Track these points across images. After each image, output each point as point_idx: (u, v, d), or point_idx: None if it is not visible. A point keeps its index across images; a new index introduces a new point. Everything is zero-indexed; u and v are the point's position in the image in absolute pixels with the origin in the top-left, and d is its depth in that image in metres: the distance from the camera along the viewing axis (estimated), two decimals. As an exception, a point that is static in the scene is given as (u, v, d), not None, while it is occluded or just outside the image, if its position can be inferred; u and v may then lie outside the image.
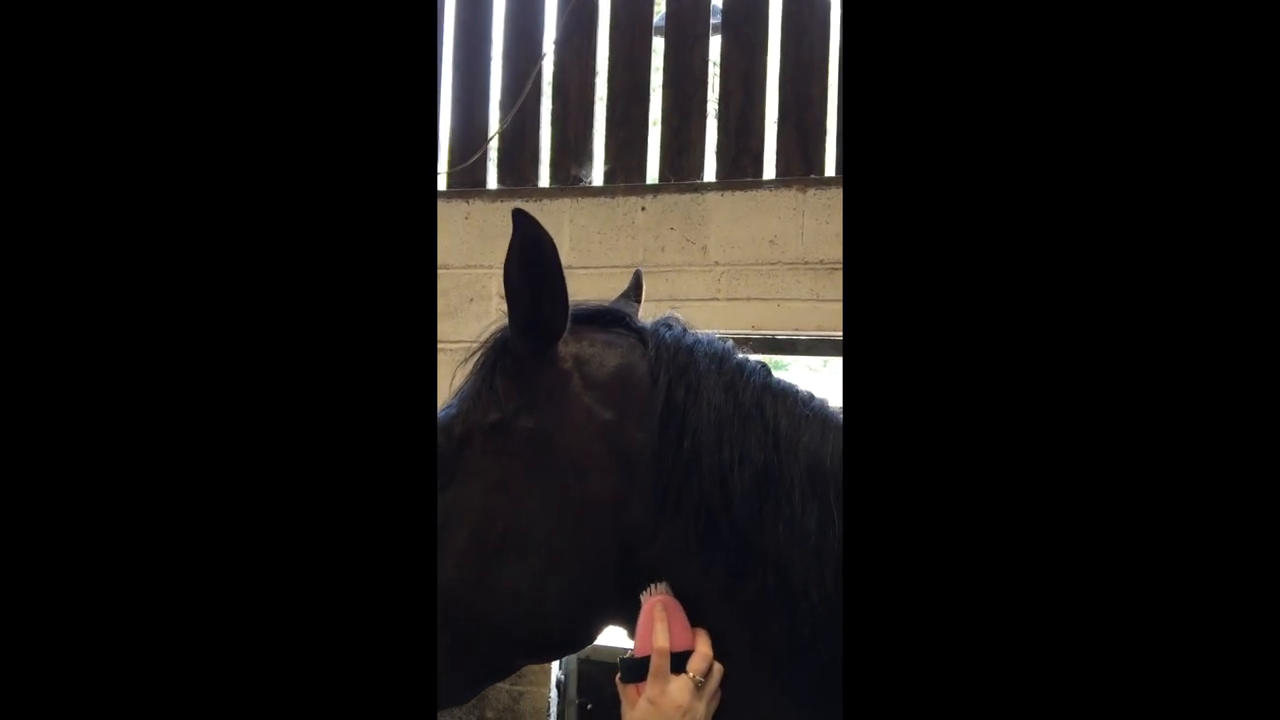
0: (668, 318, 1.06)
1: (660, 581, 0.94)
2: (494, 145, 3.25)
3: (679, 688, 0.88)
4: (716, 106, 3.04)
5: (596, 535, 0.94)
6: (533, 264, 0.93)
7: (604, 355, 1.00)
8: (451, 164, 3.27)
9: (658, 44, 3.10)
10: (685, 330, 1.04)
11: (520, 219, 0.91)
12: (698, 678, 0.89)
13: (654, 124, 3.07)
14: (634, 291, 1.24)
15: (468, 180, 3.24)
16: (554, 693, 3.09)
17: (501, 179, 3.25)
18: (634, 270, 1.28)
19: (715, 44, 3.04)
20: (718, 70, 3.04)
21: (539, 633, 0.97)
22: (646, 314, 1.13)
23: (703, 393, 0.94)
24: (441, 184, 3.30)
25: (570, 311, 0.98)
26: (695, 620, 0.93)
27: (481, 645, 0.96)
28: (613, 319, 1.05)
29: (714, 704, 0.91)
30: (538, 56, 3.19)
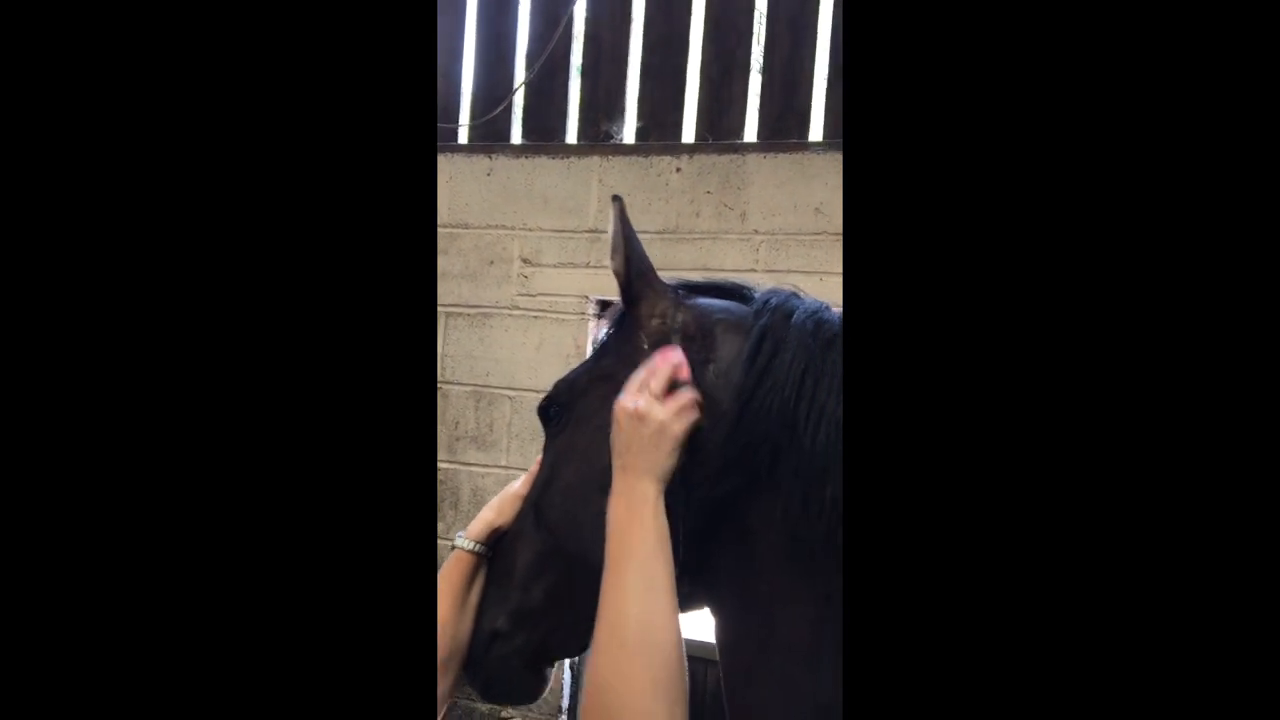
0: (783, 287, 1.10)
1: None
2: (519, 97, 3.04)
3: (663, 409, 0.97)
4: (761, 60, 2.81)
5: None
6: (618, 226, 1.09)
7: (705, 314, 1.08)
8: (474, 116, 3.08)
9: (699, -10, 2.87)
10: (795, 294, 1.08)
11: (615, 202, 1.10)
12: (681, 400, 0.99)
13: (692, 77, 2.85)
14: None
15: (490, 134, 3.05)
16: (568, 674, 2.95)
17: (526, 134, 3.05)
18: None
19: (762, -9, 2.81)
20: (763, 20, 2.80)
21: None
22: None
23: (791, 342, 0.99)
24: (462, 137, 3.11)
25: (683, 283, 1.13)
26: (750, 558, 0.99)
27: (582, 582, 1.01)
28: (725, 290, 1.13)
29: (687, 417, 0.98)
30: (569, 1, 2.96)
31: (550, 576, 1.09)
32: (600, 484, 1.02)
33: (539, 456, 1.17)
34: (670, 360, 1.01)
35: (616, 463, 0.98)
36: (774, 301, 1.05)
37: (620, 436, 0.99)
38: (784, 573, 0.96)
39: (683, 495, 0.99)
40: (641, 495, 0.96)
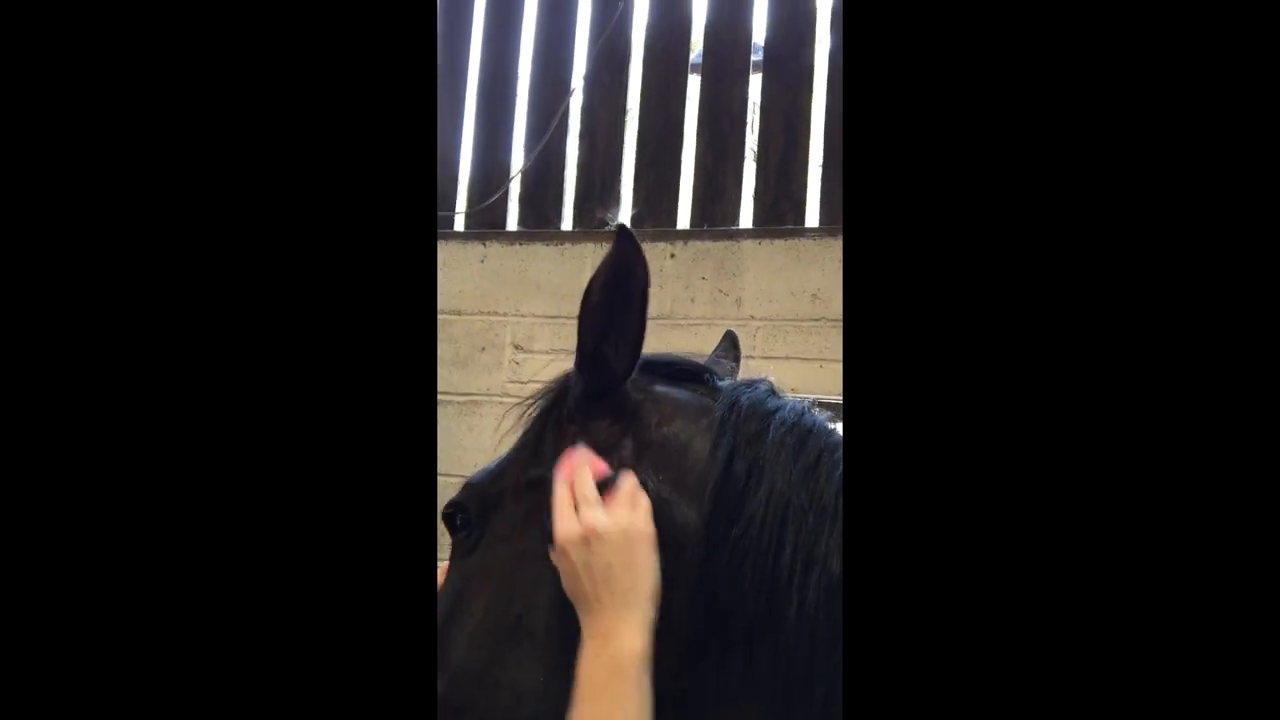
0: (756, 379, 0.87)
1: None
2: (516, 184, 3.05)
3: (617, 511, 0.76)
4: (755, 149, 2.83)
5: None
6: (618, 287, 0.81)
7: (664, 412, 0.85)
8: (470, 203, 3.08)
9: (693, 81, 2.90)
10: (771, 392, 0.85)
11: (622, 234, 0.80)
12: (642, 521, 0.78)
13: (687, 166, 2.87)
14: (731, 351, 1.08)
15: (486, 221, 3.05)
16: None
17: (522, 220, 3.04)
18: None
19: (755, 83, 2.84)
20: (757, 111, 2.84)
21: None
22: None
23: (768, 466, 0.78)
24: (458, 224, 3.10)
25: (639, 361, 0.85)
26: None
27: None
28: (687, 373, 0.90)
29: (643, 504, 0.78)
30: (566, 92, 3.00)
31: None
32: (515, 635, 0.80)
33: (443, 564, 0.91)
34: (579, 458, 0.80)
35: (585, 614, 0.76)
36: (744, 403, 0.82)
37: (577, 579, 0.76)
38: None
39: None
40: (628, 651, 0.72)
